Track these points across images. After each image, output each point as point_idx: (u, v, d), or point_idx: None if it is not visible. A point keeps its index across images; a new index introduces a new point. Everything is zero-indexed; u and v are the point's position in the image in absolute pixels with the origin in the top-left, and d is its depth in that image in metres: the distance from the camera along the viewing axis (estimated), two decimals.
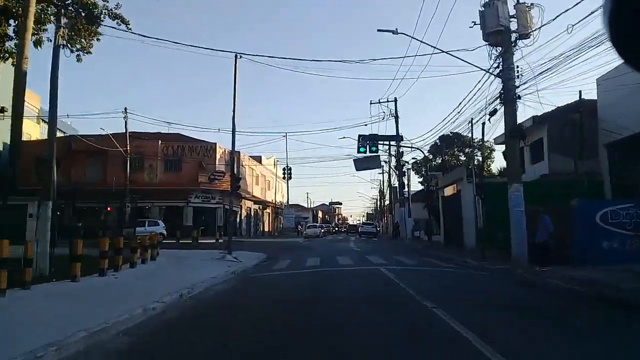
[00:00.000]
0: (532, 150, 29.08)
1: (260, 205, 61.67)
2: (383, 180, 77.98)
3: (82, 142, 43.78)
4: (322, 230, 55.38)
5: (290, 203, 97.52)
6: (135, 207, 45.06)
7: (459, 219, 27.69)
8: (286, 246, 30.93)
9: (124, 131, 41.94)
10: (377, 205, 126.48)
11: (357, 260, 18.82)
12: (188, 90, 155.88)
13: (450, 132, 44.12)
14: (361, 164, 40.75)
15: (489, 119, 17.58)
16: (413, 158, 54.66)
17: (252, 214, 59.68)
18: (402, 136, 33.70)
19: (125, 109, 41.95)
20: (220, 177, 46.37)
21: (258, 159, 61.67)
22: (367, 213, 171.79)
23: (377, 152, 32.09)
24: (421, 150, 35.35)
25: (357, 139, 29.68)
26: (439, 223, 34.32)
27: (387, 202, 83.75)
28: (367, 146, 29.39)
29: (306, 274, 14.71)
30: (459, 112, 31.34)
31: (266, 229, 63.39)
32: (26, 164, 27.85)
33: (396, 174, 41.32)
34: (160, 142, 45.63)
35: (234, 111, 20.56)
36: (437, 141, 52.72)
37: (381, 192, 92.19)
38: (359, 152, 29.52)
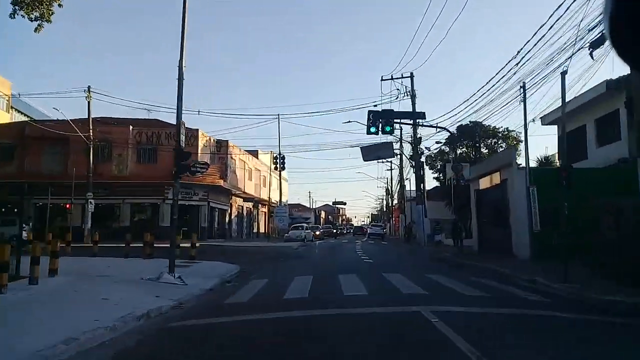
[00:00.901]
0: (599, 127, 21.99)
1: (253, 204, 54.67)
2: (392, 177, 71.11)
3: (39, 128, 36.93)
4: (318, 232, 47.74)
5: (290, 203, 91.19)
6: (101, 204, 38.29)
7: (502, 218, 20.66)
8: (274, 253, 23.95)
9: (87, 115, 35.10)
10: (383, 205, 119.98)
11: (372, 285, 11.49)
12: (164, 67, 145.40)
13: (470, 122, 37.48)
14: (370, 153, 33.83)
15: (590, 52, 10.49)
16: (426, 148, 47.48)
17: (244, 212, 52.68)
18: (423, 113, 26.53)
19: (89, 87, 35.15)
20: (204, 169, 38.91)
21: (254, 154, 54.79)
22: (371, 214, 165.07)
23: (392, 132, 24.92)
24: (447, 130, 28.25)
25: (367, 117, 22.60)
26: (467, 224, 27.28)
27: (395, 202, 77.23)
28: (380, 125, 22.30)
29: (280, 321, 7.61)
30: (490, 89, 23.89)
31: (262, 230, 56.33)
32: None
33: (411, 165, 34.24)
34: (131, 127, 38.69)
35: (181, 57, 13.62)
36: (455, 132, 45.88)
37: (388, 191, 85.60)
38: (368, 132, 22.40)
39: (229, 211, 47.44)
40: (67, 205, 35.09)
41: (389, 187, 73.16)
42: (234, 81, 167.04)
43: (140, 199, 38.25)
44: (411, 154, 33.40)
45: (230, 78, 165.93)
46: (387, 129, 23.34)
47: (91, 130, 34.86)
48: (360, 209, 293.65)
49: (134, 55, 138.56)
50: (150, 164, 38.91)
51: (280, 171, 32.60)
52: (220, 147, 44.66)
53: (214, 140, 43.43)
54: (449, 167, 32.55)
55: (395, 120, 24.60)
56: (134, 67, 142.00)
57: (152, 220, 39.71)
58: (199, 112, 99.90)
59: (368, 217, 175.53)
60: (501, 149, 42.89)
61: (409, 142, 35.63)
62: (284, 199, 78.14)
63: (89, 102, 35.00)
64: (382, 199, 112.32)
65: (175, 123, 14.19)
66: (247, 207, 53.36)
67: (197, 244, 21.68)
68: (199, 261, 18.08)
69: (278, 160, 33.61)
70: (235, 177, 47.75)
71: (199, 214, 40.69)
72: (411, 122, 28.28)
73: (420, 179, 32.45)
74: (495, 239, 21.60)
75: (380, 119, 22.97)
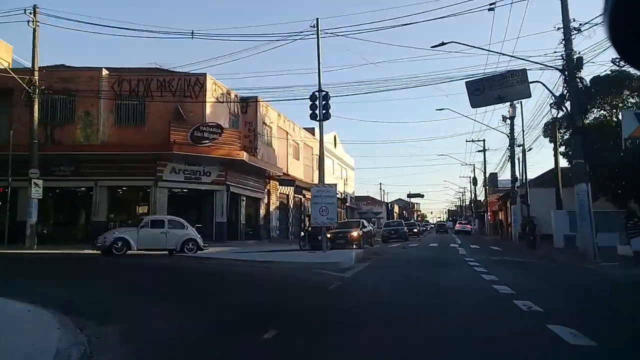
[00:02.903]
0: None
1: (304, 193, 40.63)
2: (485, 160, 54.97)
3: None
4: (357, 234, 24.63)
5: (357, 195, 76.89)
6: (61, 188, 25.77)
7: None
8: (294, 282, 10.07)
9: (32, 47, 22.57)
10: (463, 198, 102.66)
11: None
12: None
13: (611, 71, 24.68)
14: (485, 91, 19.02)
15: None
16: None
17: (291, 204, 38.95)
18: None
19: (34, 7, 22.57)
20: (215, 135, 25.95)
21: (311, 131, 41.10)
22: (448, 210, 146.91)
23: None
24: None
25: None
26: None
27: (478, 194, 61.45)
28: None
29: None
30: None
31: None
32: None
33: (566, 109, 18.64)
34: (105, 71, 25.80)
35: None
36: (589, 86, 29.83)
37: (475, 180, 69.71)
38: None
39: (266, 201, 33.86)
40: (1, 189, 22.82)
41: (484, 173, 56.76)
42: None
43: (121, 179, 25.36)
44: (565, 88, 17.83)
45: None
46: None
47: (36, 73, 22.25)
48: (435, 203, 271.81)
49: None
50: (135, 127, 25.91)
51: (320, 121, 18.19)
52: (247, 107, 31.09)
53: (235, 95, 29.88)
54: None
55: None
56: None
57: (138, 213, 26.82)
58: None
59: (444, 212, 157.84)
60: None
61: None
62: (349, 191, 64.24)
63: (34, 30, 22.44)
64: (463, 192, 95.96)
65: None
66: (295, 197, 39.66)
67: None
68: None
69: (319, 104, 18.82)
70: (273, 153, 34.04)
71: (213, 203, 27.34)
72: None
73: (581, 131, 17.14)
74: None
75: None
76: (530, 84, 19.80)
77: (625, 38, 1.40)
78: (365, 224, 27.41)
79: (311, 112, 17.80)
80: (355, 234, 23.64)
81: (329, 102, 17.77)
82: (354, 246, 21.65)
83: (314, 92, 17.79)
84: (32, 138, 22.21)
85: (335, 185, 18.20)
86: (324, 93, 17.75)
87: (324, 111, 17.67)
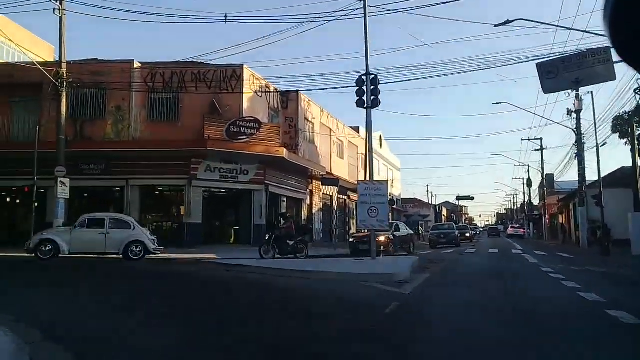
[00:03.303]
0: None
1: (349, 195, 38.20)
2: (542, 160, 51.23)
3: (2, 73, 24.01)
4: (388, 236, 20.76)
5: (404, 197, 74.04)
6: (91, 187, 24.43)
7: None
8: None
9: (59, 38, 21.20)
10: (514, 201, 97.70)
11: None
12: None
13: None
14: (560, 74, 16.19)
15: None
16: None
17: (335, 205, 36.69)
18: None
19: None
20: (253, 130, 24.02)
21: (355, 130, 38.89)
22: (497, 213, 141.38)
23: None
24: None
25: None
26: None
27: (528, 196, 57.30)
28: None
29: None
30: None
31: None
32: None
33: None
34: (136, 64, 24.27)
35: None
36: None
37: (529, 182, 65.66)
38: None
39: (308, 202, 31.74)
40: (26, 188, 21.56)
41: (541, 173, 52.95)
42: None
43: (153, 178, 23.78)
44: None
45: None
46: None
47: (64, 65, 20.85)
48: (483, 206, 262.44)
49: None
50: (168, 122, 24.29)
51: (368, 108, 15.64)
52: (288, 102, 29.06)
53: (275, 89, 27.89)
54: None
55: None
56: None
57: (172, 214, 25.20)
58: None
59: (492, 216, 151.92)
60: None
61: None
62: (395, 193, 61.35)
63: (60, 19, 21.08)
64: (514, 194, 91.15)
65: None
66: (339, 199, 37.39)
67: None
68: None
69: (367, 86, 16.22)
70: (315, 151, 31.90)
71: (251, 204, 25.41)
72: None
73: None
74: None
75: None
76: (615, 65, 16.90)
77: (626, 39, 1.37)
78: (401, 226, 24.06)
79: (357, 98, 15.45)
80: (382, 238, 19.57)
81: (378, 86, 15.38)
82: (381, 254, 18.98)
83: (360, 76, 15.45)
84: (59, 134, 20.78)
85: (386, 182, 15.74)
86: (372, 76, 15.37)
87: (372, 97, 15.29)
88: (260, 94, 26.22)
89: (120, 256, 16.72)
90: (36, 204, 21.22)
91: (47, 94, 22.25)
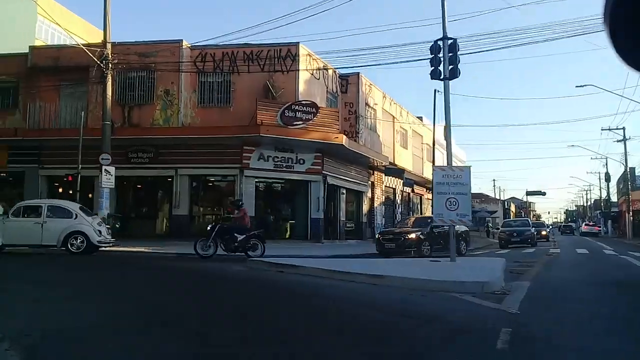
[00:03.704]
0: None
1: (413, 188, 35.37)
2: (626, 150, 46.27)
3: (46, 54, 23.08)
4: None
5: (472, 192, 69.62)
6: (137, 177, 23.19)
7: None
8: None
9: (104, 19, 19.78)
10: (587, 196, 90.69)
11: None
12: None
13: None
14: None
15: None
16: None
17: (398, 199, 34.06)
18: None
19: None
20: (310, 115, 21.94)
21: (418, 119, 36.16)
22: (566, 210, 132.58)
23: None
24: None
25: None
26: None
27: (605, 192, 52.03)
28: None
29: None
30: None
31: None
32: None
33: None
34: (185, 44, 22.59)
35: None
36: None
37: (607, 176, 60.35)
38: None
39: (369, 195, 29.33)
40: (69, 177, 20.39)
41: (625, 166, 48.06)
42: None
43: (203, 167, 22.15)
44: None
45: None
46: None
47: (109, 44, 19.44)
48: (552, 202, 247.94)
49: None
50: (219, 108, 22.57)
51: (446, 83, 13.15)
52: (347, 86, 26.71)
53: (334, 71, 25.64)
54: None
55: None
56: None
57: (224, 206, 23.48)
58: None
59: (559, 213, 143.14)
60: None
61: None
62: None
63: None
64: (588, 190, 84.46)
65: None
66: (402, 192, 34.73)
67: None
68: None
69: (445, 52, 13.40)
70: (377, 140, 29.39)
71: (307, 196, 23.34)
72: None
73: None
74: None
75: None
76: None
77: (626, 40, 1.37)
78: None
79: (432, 68, 12.90)
80: (413, 235, 16.68)
81: (457, 53, 12.76)
82: (412, 252, 16.14)
83: (436, 41, 12.87)
84: (104, 119, 19.43)
85: (468, 168, 13.08)
86: (450, 41, 12.75)
87: (450, 66, 12.69)
88: (317, 76, 24.03)
89: (63, 248, 14.80)
90: (79, 194, 20.06)
91: (93, 77, 21.02)
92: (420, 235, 16.92)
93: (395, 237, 17.16)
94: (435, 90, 27.84)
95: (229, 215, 16.42)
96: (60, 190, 22.90)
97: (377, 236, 19.31)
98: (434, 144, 30.64)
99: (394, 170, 28.49)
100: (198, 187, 23.08)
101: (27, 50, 23.14)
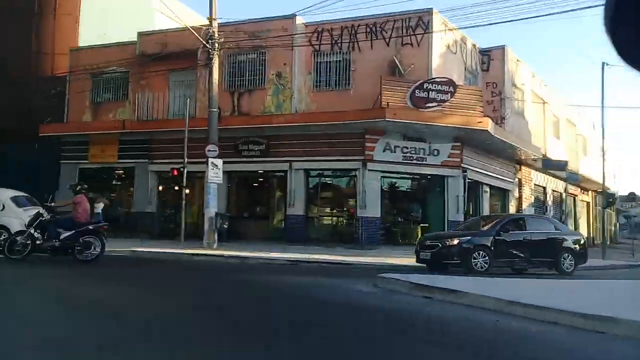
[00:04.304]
0: None
1: (566, 186, 29.34)
2: None
3: (154, 40, 21.59)
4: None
5: (620, 195, 59.76)
6: (246, 172, 20.79)
7: None
8: None
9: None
10: None
11: None
12: None
13: None
14: None
15: None
16: None
17: (549, 200, 28.53)
18: None
19: None
20: (446, 95, 18.05)
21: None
22: None
23: None
24: None
25: None
26: None
27: None
28: None
29: None
30: None
31: (587, 234, 29.28)
32: None
33: None
34: (299, 20, 19.67)
35: None
36: None
37: None
38: None
39: (516, 194, 24.40)
40: (174, 172, 18.39)
41: None
42: None
43: (320, 161, 19.11)
44: None
45: None
46: None
47: (215, 22, 17.13)
48: None
49: None
50: (337, 91, 19.43)
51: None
52: (489, 63, 22.24)
53: (473, 45, 21.37)
54: None
55: None
56: None
57: (346, 204, 20.30)
58: None
59: None
60: None
61: None
62: (613, 189, 48.80)
63: None
64: None
65: None
66: (553, 191, 29.12)
67: None
68: None
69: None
70: (525, 127, 24.38)
71: (443, 194, 19.37)
72: None
73: None
74: None
75: None
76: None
77: (626, 39, 1.33)
78: (530, 222, 14.29)
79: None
80: (455, 241, 12.54)
81: None
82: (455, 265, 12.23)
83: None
84: (210, 106, 17.17)
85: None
86: None
87: None
88: (454, 50, 20.00)
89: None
90: (187, 191, 18.05)
91: (200, 60, 19.02)
92: (459, 243, 12.43)
93: (434, 244, 12.75)
94: (603, 64, 22.31)
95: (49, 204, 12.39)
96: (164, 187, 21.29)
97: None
98: (603, 134, 24.88)
99: (554, 163, 23.39)
100: (314, 183, 20.13)
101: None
